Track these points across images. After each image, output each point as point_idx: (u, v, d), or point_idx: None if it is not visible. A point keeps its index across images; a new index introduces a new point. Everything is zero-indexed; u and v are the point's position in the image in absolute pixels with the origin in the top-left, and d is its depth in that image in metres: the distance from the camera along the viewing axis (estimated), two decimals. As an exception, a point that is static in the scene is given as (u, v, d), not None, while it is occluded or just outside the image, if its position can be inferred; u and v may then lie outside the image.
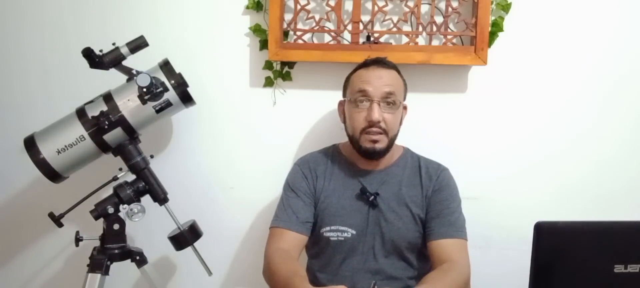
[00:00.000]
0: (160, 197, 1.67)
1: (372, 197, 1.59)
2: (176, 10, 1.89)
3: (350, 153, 1.66)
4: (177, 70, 1.64)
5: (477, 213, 1.74)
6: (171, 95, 1.62)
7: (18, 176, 1.96)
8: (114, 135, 1.61)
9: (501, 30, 1.82)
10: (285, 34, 1.86)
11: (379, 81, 1.57)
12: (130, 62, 1.59)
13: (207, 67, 1.89)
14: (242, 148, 1.94)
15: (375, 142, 1.56)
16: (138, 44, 1.59)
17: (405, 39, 1.87)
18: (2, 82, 1.95)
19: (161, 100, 1.59)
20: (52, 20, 1.91)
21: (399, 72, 1.64)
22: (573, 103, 1.89)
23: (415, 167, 1.66)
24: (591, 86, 1.89)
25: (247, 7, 1.86)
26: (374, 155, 1.59)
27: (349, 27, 1.84)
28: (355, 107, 1.58)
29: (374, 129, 1.55)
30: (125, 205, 1.62)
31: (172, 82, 1.62)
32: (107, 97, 1.61)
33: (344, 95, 1.67)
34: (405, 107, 1.66)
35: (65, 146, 1.59)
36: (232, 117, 1.93)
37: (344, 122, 1.66)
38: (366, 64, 1.63)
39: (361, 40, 1.85)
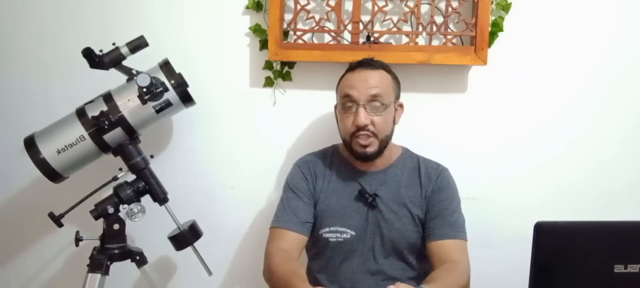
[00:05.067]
0: (160, 197, 1.67)
1: (371, 198, 1.59)
2: (176, 10, 1.89)
3: (349, 154, 1.65)
4: (177, 70, 1.64)
5: (477, 213, 1.74)
6: (171, 95, 1.62)
7: (18, 176, 1.96)
8: (114, 135, 1.61)
9: (501, 30, 1.82)
10: (285, 34, 1.86)
11: (363, 84, 1.55)
12: (130, 62, 1.59)
13: (207, 67, 1.89)
14: (242, 148, 1.94)
15: (365, 146, 1.56)
16: (138, 44, 1.59)
17: (405, 39, 1.87)
18: (2, 82, 1.95)
19: (161, 100, 1.59)
20: (52, 21, 1.91)
21: (388, 70, 1.61)
22: (573, 103, 1.89)
23: (414, 167, 1.65)
24: (591, 86, 1.89)
25: (247, 7, 1.86)
26: (366, 158, 1.59)
27: (349, 27, 1.84)
28: (344, 112, 1.58)
29: (363, 133, 1.55)
30: (125, 205, 1.62)
31: (172, 82, 1.62)
32: (107, 97, 1.61)
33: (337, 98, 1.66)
34: (400, 105, 1.65)
35: (65, 146, 1.59)
36: (232, 117, 1.93)
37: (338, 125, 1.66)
38: (352, 68, 1.61)
39: (361, 40, 1.85)
